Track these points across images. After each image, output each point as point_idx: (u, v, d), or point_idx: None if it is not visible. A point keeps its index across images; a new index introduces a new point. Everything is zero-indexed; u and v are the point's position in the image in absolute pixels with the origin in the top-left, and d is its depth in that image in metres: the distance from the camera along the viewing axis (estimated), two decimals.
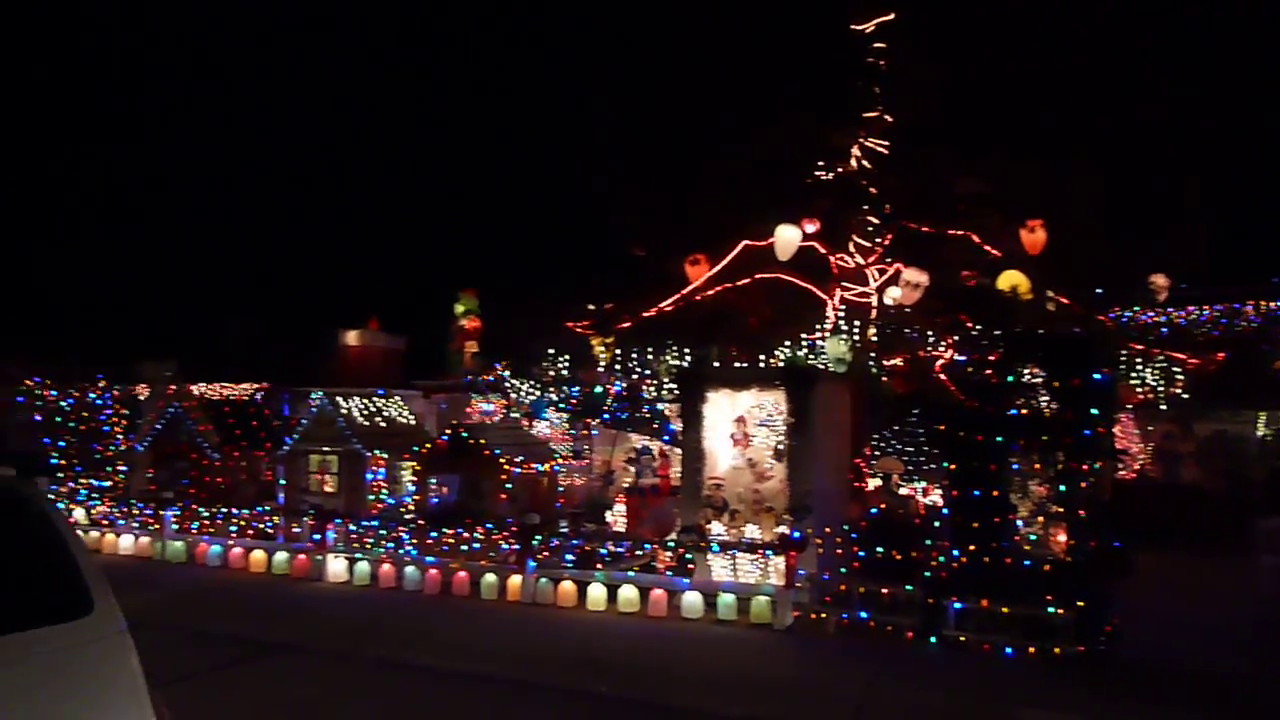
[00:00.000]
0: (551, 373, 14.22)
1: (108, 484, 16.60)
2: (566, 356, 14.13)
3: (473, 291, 20.59)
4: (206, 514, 14.30)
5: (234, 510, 14.14)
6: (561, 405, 14.26)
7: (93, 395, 17.52)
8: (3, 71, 48.69)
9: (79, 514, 15.65)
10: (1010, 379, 9.74)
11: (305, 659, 9.12)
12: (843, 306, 13.77)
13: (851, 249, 14.35)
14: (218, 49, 51.25)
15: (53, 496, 15.75)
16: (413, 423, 16.18)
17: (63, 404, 17.40)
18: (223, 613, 11.01)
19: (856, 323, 13.20)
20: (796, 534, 10.40)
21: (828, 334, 12.49)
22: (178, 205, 48.80)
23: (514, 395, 14.95)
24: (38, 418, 17.37)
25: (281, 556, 13.15)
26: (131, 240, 46.26)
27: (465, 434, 13.46)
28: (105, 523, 15.21)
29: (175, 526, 14.38)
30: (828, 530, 10.48)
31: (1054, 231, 13.41)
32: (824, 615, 9.99)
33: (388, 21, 53.02)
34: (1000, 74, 15.47)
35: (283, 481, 15.07)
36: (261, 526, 13.89)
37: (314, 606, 11.32)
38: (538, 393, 14.57)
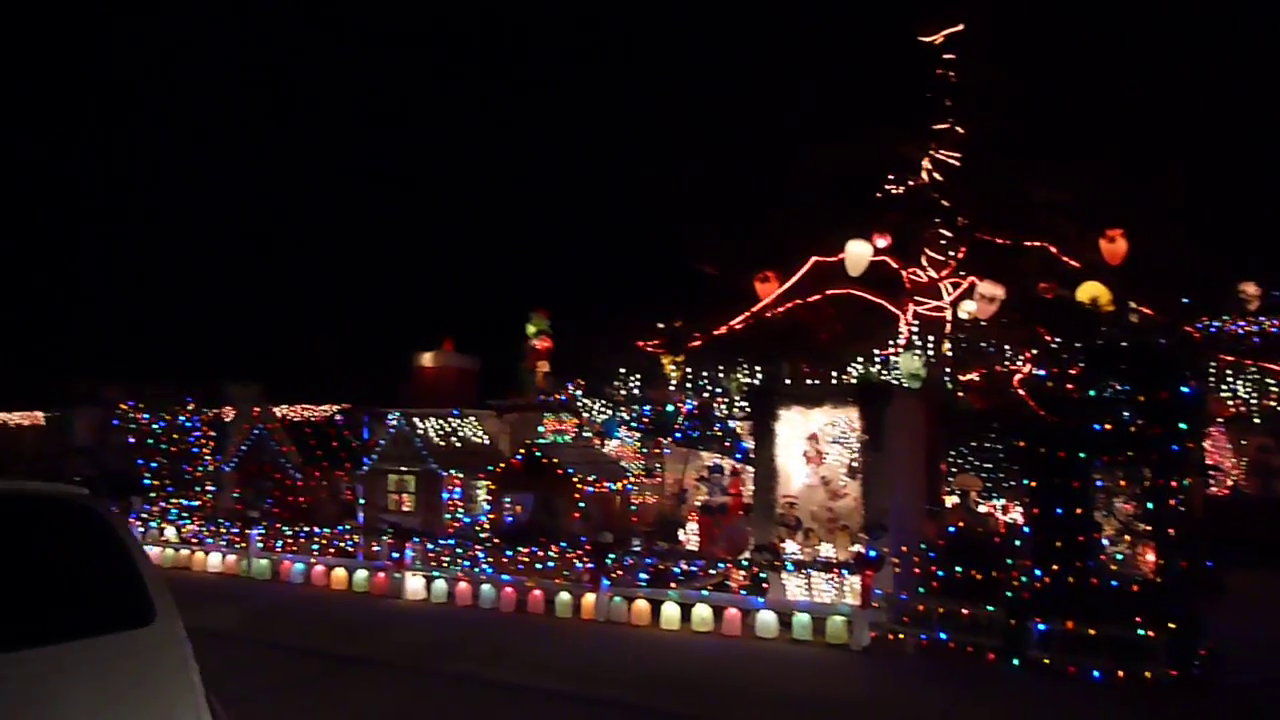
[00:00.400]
0: (623, 392, 14.29)
1: (197, 503, 17.21)
2: (638, 375, 14.20)
3: (544, 311, 20.84)
4: (290, 532, 14.71)
5: (316, 529, 14.52)
6: (633, 424, 14.32)
7: (182, 418, 18.18)
8: (89, 105, 51.08)
9: (170, 532, 16.23)
10: (1092, 393, 9.48)
11: (386, 674, 9.29)
12: (916, 321, 13.59)
13: (924, 263, 14.16)
14: (293, 74, 52.99)
15: (145, 515, 16.43)
16: (487, 442, 16.42)
17: (155, 426, 18.10)
18: (307, 629, 11.28)
19: (930, 338, 13.00)
20: (873, 553, 10.25)
21: (901, 349, 12.33)
22: (260, 232, 50.48)
23: (586, 414, 15.06)
24: (131, 440, 18.11)
25: (362, 574, 13.43)
26: (216, 266, 47.96)
27: (539, 453, 13.61)
28: (194, 541, 15.73)
29: (260, 545, 14.81)
30: (904, 549, 10.32)
31: (1136, 240, 13.03)
32: (902, 636, 9.82)
33: (460, 44, 54.23)
34: (1076, 79, 15.14)
35: (362, 501, 15.42)
36: (342, 545, 14.22)
37: (394, 623, 11.53)
38: (609, 412, 14.66)
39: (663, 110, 17.13)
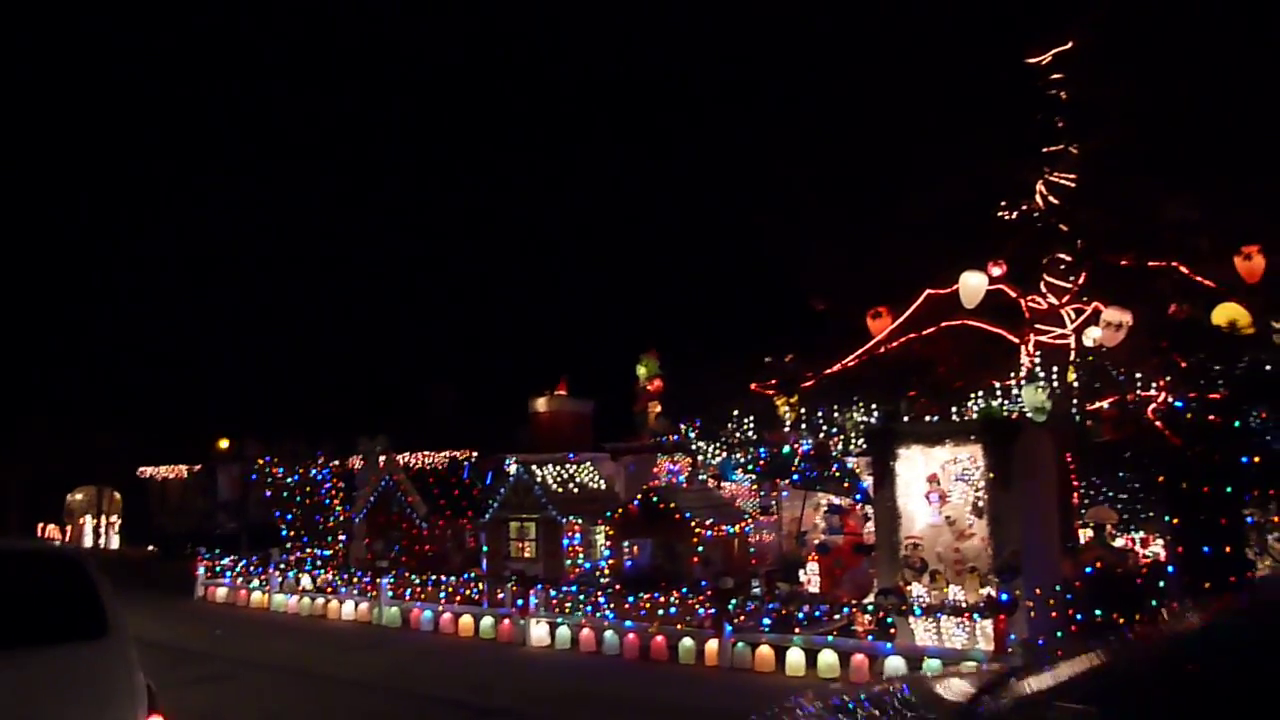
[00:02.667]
0: (738, 435, 14.24)
1: (329, 553, 17.92)
2: (752, 417, 14.14)
3: (654, 353, 21.00)
4: (418, 581, 15.15)
5: (443, 577, 14.91)
6: (749, 467, 14.24)
7: (314, 471, 18.99)
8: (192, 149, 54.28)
9: (305, 581, 16.93)
10: (1237, 423, 8.99)
11: None
12: (1038, 351, 13.11)
13: (1043, 289, 13.68)
14: (408, 121, 55.22)
15: (283, 565, 17.18)
16: (603, 487, 16.59)
17: (289, 480, 18.96)
18: (441, 678, 11.58)
19: (1054, 368, 12.52)
20: (1005, 595, 9.91)
21: (1023, 381, 11.91)
22: (377, 284, 52.54)
23: (701, 457, 15.06)
24: (268, 493, 19.02)
25: (488, 621, 13.72)
26: (337, 318, 50.10)
27: (655, 498, 13.68)
28: (329, 589, 16.36)
29: (391, 593, 15.30)
30: (1039, 591, 9.92)
31: (1275, 256, 12.30)
32: None
33: (570, 84, 55.59)
34: (1199, 86, 14.47)
35: (485, 548, 15.77)
36: (468, 592, 14.56)
37: (522, 672, 11.71)
38: (724, 453, 14.63)
39: (772, 146, 17.09)
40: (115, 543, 34.43)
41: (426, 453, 24.76)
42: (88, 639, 5.24)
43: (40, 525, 37.38)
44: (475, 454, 22.46)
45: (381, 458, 18.67)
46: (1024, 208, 14.21)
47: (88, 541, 35.44)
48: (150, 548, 30.51)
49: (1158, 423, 10.61)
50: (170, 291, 51.75)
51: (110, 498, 36.02)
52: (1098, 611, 9.55)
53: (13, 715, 4.70)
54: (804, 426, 13.34)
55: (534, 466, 15.59)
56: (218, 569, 18.49)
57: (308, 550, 18.03)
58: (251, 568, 17.85)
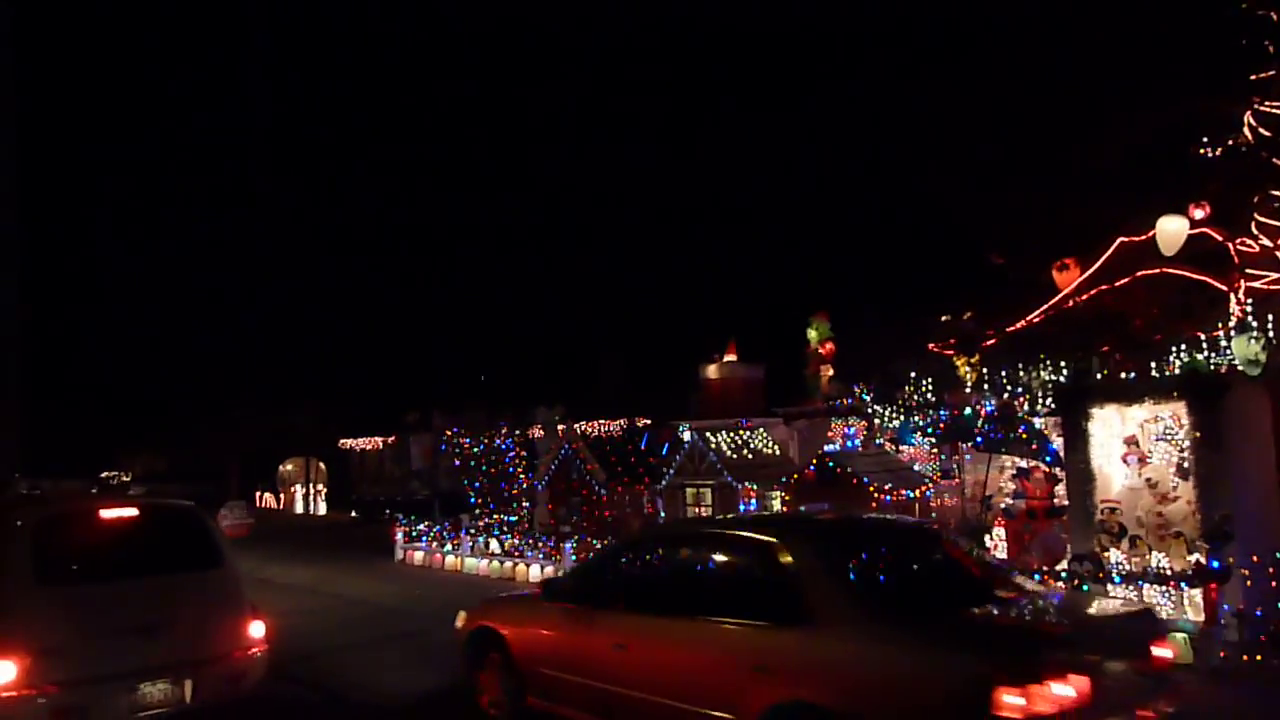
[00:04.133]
0: (915, 397, 13.85)
1: (515, 519, 18.78)
2: (929, 378, 13.71)
3: (824, 315, 20.66)
4: (599, 545, 15.65)
5: None
6: (928, 430, 13.84)
7: (498, 440, 19.90)
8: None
9: (494, 545, 17.83)
10: None
11: None
12: (1249, 299, 12.06)
13: (1255, 231, 12.55)
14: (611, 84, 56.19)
15: (473, 530, 18.15)
16: (777, 453, 16.57)
17: (475, 450, 19.95)
18: None
19: (1269, 316, 11.47)
20: (1216, 563, 9.27)
21: (1233, 332, 10.98)
22: (548, 260, 54.06)
23: (877, 420, 14.75)
24: (457, 462, 20.10)
25: None
26: (514, 296, 51.96)
27: (831, 463, 13.55)
28: (516, 554, 17.17)
29: (574, 558, 15.88)
30: (1256, 558, 9.22)
31: None
32: (1260, 658, 8.78)
33: (726, 41, 55.09)
34: None
35: (663, 514, 16.10)
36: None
37: None
38: (901, 417, 14.27)
39: (946, 90, 16.35)
40: (322, 509, 37.27)
41: (602, 421, 25.43)
42: (210, 568, 7.75)
43: (257, 493, 41.00)
44: (650, 422, 22.89)
45: (560, 427, 19.36)
46: (1229, 142, 13.05)
47: (298, 508, 38.57)
48: (352, 513, 32.87)
49: None
50: (363, 274, 55.09)
51: (316, 467, 39.01)
52: None
53: (162, 615, 7.16)
54: (986, 387, 12.83)
55: (708, 433, 15.77)
56: (413, 534, 19.75)
57: (495, 516, 18.95)
58: (445, 533, 18.96)
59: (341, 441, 37.08)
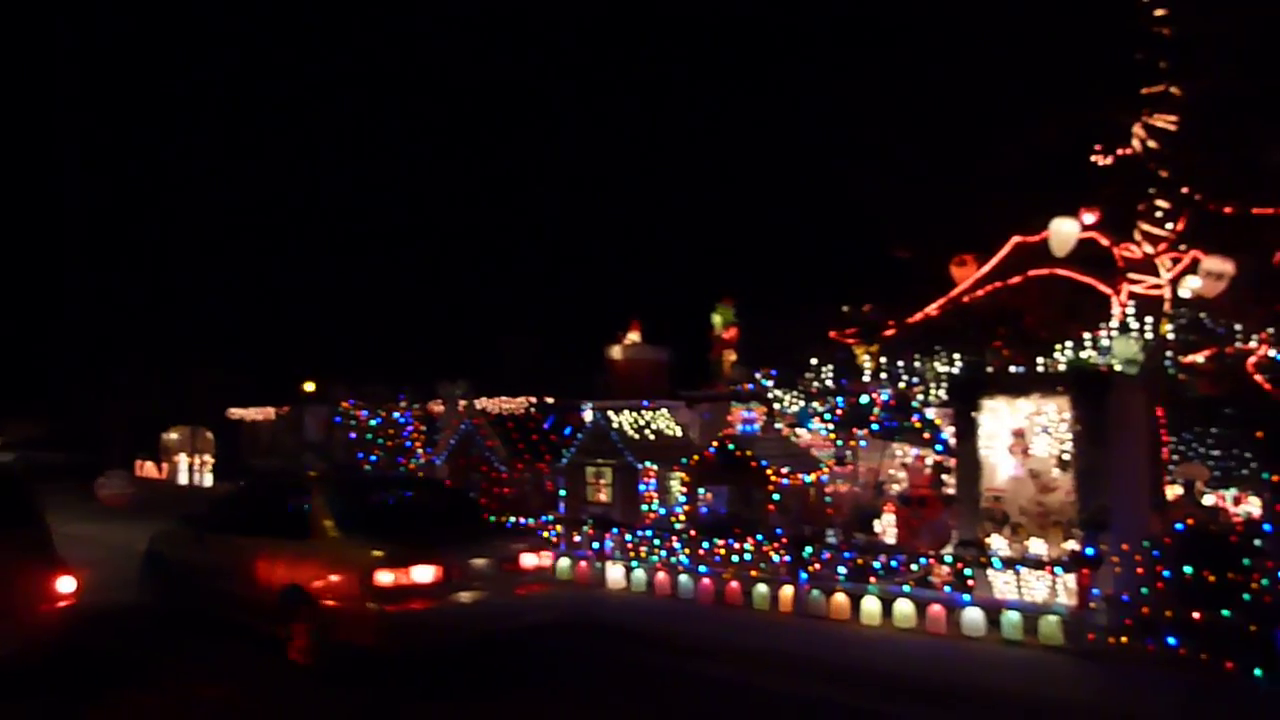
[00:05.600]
0: (816, 384, 14.13)
1: None
2: (830, 366, 14.01)
3: (729, 300, 20.85)
4: (498, 522, 15.50)
5: (521, 520, 15.24)
6: (827, 416, 14.14)
7: (396, 414, 19.50)
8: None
9: None
10: None
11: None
12: (1131, 302, 12.70)
13: (1138, 238, 13.21)
14: (473, 68, 55.36)
15: None
16: (679, 434, 16.67)
17: (372, 422, 19.51)
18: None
19: (1148, 319, 12.11)
20: (1090, 550, 9.73)
21: (1115, 332, 11.55)
22: (453, 232, 53.20)
23: (778, 405, 15.00)
24: (353, 435, 19.61)
25: (564, 563, 14.01)
26: (418, 267, 50.96)
27: (732, 445, 13.70)
28: None
29: None
30: (1126, 547, 9.71)
31: None
32: (1125, 640, 9.27)
33: (641, 30, 54.97)
34: None
35: (563, 493, 16.04)
36: (546, 535, 14.86)
37: (600, 612, 11.94)
38: (801, 402, 14.54)
39: (855, 91, 16.67)
40: (209, 480, 35.96)
41: (505, 398, 25.16)
42: (18, 526, 8.41)
43: (139, 461, 39.27)
44: (553, 400, 22.75)
45: (462, 402, 19.06)
46: (1120, 152, 13.68)
47: (182, 478, 37.10)
48: (240, 485, 31.79)
49: (1257, 376, 10.21)
50: (258, 236, 53.18)
51: (203, 437, 37.56)
52: (1187, 569, 9.33)
53: None
54: (884, 376, 13.18)
55: (610, 413, 15.74)
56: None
57: None
58: None
59: (231, 411, 35.80)
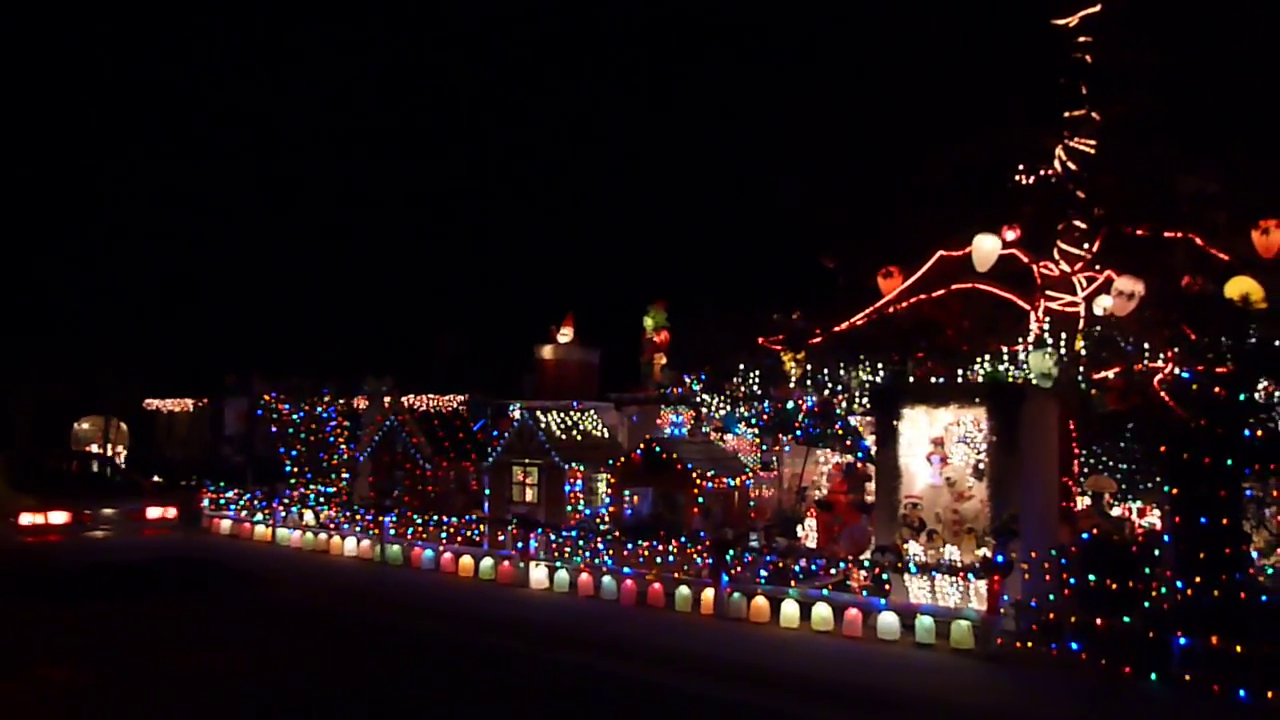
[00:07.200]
0: (743, 389, 14.27)
1: (334, 490, 18.10)
2: (757, 372, 14.15)
3: (662, 304, 20.94)
4: (420, 521, 15.33)
5: (445, 518, 15.09)
6: (753, 421, 14.29)
7: (319, 409, 19.11)
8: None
9: (309, 517, 17.14)
10: (1243, 396, 8.99)
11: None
12: (1047, 318, 13.08)
13: (1056, 256, 13.61)
14: (414, 67, 54.67)
15: (286, 500, 17.37)
16: (606, 436, 16.69)
17: (294, 416, 19.08)
18: (439, 614, 11.81)
19: (1063, 335, 12.48)
20: (1000, 557, 10.01)
21: (1031, 347, 11.89)
22: (386, 226, 52.39)
23: (705, 410, 15.11)
24: (274, 429, 19.15)
25: (488, 563, 13.90)
26: (347, 260, 50.06)
27: (658, 448, 13.76)
28: (332, 526, 16.57)
29: (393, 532, 15.49)
30: (1035, 554, 10.03)
31: None
32: (1030, 645, 9.56)
33: (584, 35, 54.90)
34: (1226, 57, 14.22)
35: (488, 492, 15.92)
36: (469, 534, 14.73)
37: (521, 611, 11.88)
38: (728, 407, 14.67)
39: (786, 103, 16.89)
40: None
41: (432, 395, 24.86)
42: None
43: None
44: (478, 398, 22.55)
45: (387, 398, 18.77)
46: (1042, 173, 14.07)
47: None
48: (154, 478, 30.80)
49: (1163, 394, 10.60)
50: (180, 224, 51.63)
51: (117, 428, 36.28)
52: (1091, 577, 9.66)
53: None
54: (809, 383, 13.35)
55: (538, 413, 15.68)
56: (221, 501, 18.72)
57: (312, 487, 18.21)
58: (256, 501, 18.07)
59: (147, 401, 34.67)
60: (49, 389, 37.03)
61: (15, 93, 51.11)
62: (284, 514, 17.47)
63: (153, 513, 14.19)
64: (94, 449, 36.47)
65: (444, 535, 14.92)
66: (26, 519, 12.76)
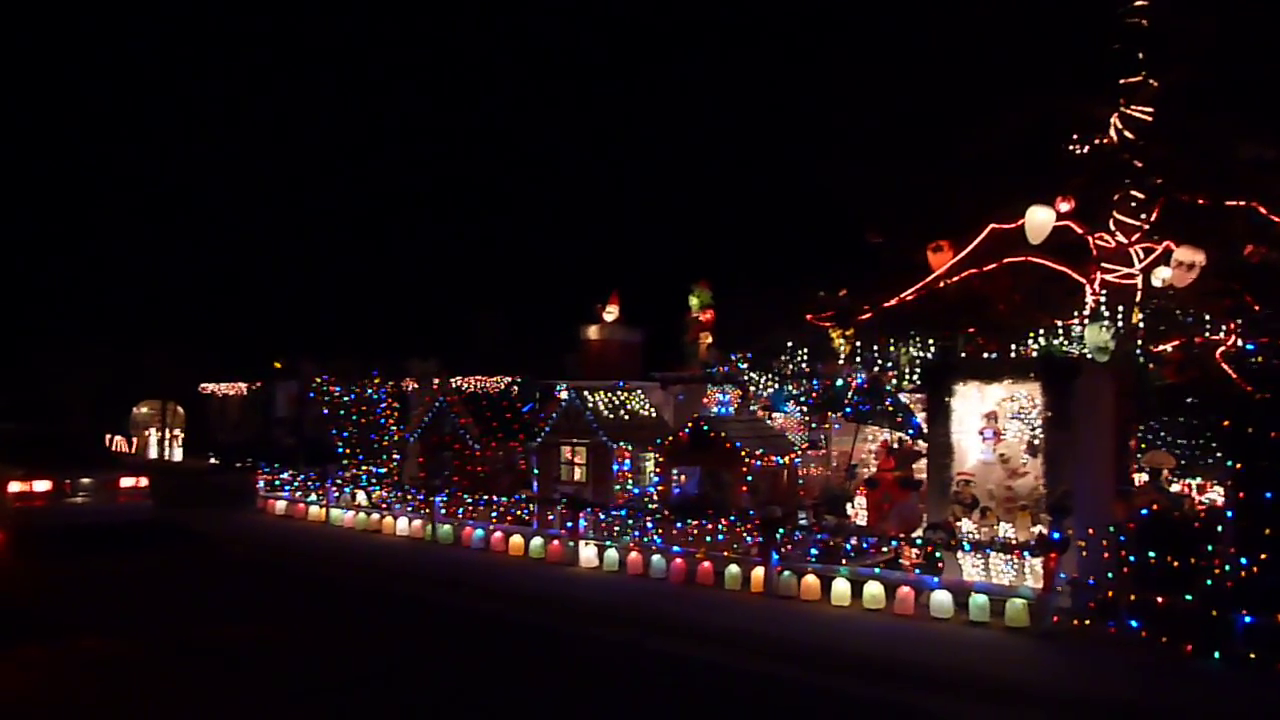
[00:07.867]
0: (790, 367, 14.17)
1: (384, 471, 18.35)
2: (805, 349, 14.04)
3: (706, 283, 20.81)
4: (470, 500, 15.51)
5: (494, 498, 15.24)
6: (801, 399, 14.19)
7: (369, 390, 19.34)
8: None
9: (361, 497, 17.42)
10: None
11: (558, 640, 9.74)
12: (1103, 290, 12.79)
13: (1112, 227, 13.29)
14: (467, 50, 54.77)
15: (339, 481, 17.65)
16: (653, 415, 16.69)
17: (345, 399, 19.34)
18: (490, 593, 11.95)
19: (1120, 308, 12.20)
20: (1056, 534, 9.86)
21: (1087, 320, 11.66)
22: (430, 209, 52.75)
23: (752, 388, 15.03)
24: (325, 411, 19.44)
25: (537, 542, 14.02)
26: (391, 244, 50.52)
27: (706, 427, 13.73)
28: (384, 506, 16.82)
29: (444, 511, 15.69)
30: (1092, 531, 9.85)
31: None
32: (1088, 623, 9.42)
33: (622, 17, 54.61)
34: None
35: (536, 471, 16.03)
36: (519, 513, 14.87)
37: (572, 590, 11.96)
38: (776, 385, 14.59)
39: (833, 76, 16.62)
40: (178, 454, 35.61)
41: (479, 376, 25.04)
42: None
43: (107, 436, 38.77)
44: (527, 379, 22.65)
45: (435, 380, 18.95)
46: (1096, 142, 13.73)
47: (152, 453, 36.70)
48: (210, 459, 31.49)
49: (1225, 366, 10.34)
50: (232, 212, 52.44)
51: (173, 412, 37.14)
52: (1151, 554, 9.47)
53: None
54: (858, 360, 13.23)
55: (585, 392, 15.72)
56: (276, 482, 19.09)
57: (364, 467, 18.48)
58: (309, 482, 18.39)
59: (202, 386, 35.40)
60: (108, 374, 37.94)
61: (77, 82, 52.18)
62: (337, 495, 17.77)
63: (126, 482, 15.87)
64: (152, 433, 37.42)
65: (494, 515, 15.08)
66: (14, 487, 14.58)
